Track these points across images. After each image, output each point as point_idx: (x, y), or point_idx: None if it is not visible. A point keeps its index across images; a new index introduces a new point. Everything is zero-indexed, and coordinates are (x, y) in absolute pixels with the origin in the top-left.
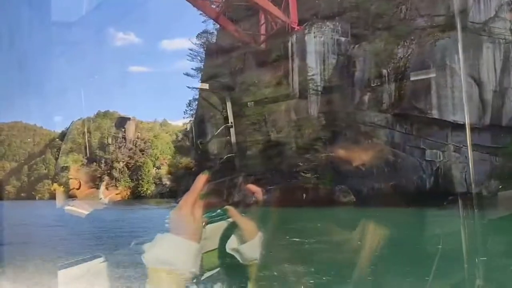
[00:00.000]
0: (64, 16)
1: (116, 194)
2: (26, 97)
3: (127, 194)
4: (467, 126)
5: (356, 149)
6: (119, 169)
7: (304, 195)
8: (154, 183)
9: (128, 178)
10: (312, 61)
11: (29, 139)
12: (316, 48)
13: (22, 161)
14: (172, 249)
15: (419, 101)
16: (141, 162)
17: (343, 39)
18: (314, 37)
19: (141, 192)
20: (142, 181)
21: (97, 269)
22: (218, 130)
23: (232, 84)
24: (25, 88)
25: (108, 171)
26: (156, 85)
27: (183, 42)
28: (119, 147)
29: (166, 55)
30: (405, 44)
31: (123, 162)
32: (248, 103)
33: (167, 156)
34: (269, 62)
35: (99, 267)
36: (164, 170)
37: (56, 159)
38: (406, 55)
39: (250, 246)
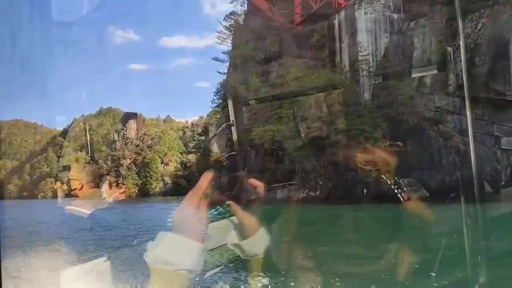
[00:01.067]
0: (65, 15)
1: (120, 193)
2: (27, 96)
3: (134, 191)
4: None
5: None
6: (126, 166)
7: (365, 191)
8: (163, 180)
9: (136, 175)
10: (364, 40)
11: (29, 140)
12: (367, 25)
13: (24, 160)
14: (176, 249)
15: (496, 81)
16: (148, 159)
17: (395, 16)
18: (365, 13)
19: (149, 189)
20: (151, 178)
21: (100, 268)
22: (219, 129)
23: (268, 70)
24: (26, 87)
25: (115, 168)
26: (156, 83)
27: (182, 39)
28: (126, 144)
29: (166, 52)
30: (474, 18)
31: (130, 159)
32: (250, 101)
33: (176, 152)
34: (311, 44)
35: (102, 267)
36: (172, 167)
37: (59, 157)
38: (476, 30)
39: (251, 242)
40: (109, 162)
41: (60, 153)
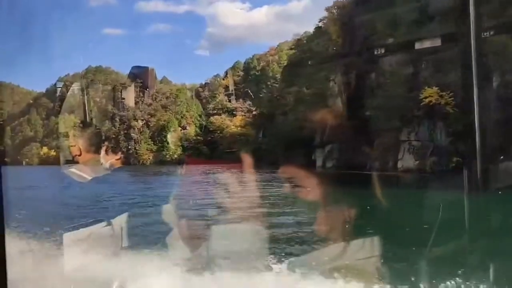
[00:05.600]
0: None
1: (116, 159)
2: (7, 56)
3: (149, 158)
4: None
5: None
6: (138, 128)
7: None
8: (182, 145)
9: (150, 139)
10: None
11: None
12: None
13: (2, 122)
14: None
15: None
16: (164, 121)
17: None
18: None
19: (166, 155)
20: (168, 143)
21: (99, 233)
22: (218, 99)
23: None
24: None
25: (125, 131)
26: (135, 46)
27: (159, 4)
28: (136, 103)
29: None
30: None
31: (143, 120)
32: None
33: (194, 114)
34: None
35: (102, 231)
36: (192, 130)
37: (43, 119)
38: None
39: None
40: (117, 124)
41: (45, 115)
